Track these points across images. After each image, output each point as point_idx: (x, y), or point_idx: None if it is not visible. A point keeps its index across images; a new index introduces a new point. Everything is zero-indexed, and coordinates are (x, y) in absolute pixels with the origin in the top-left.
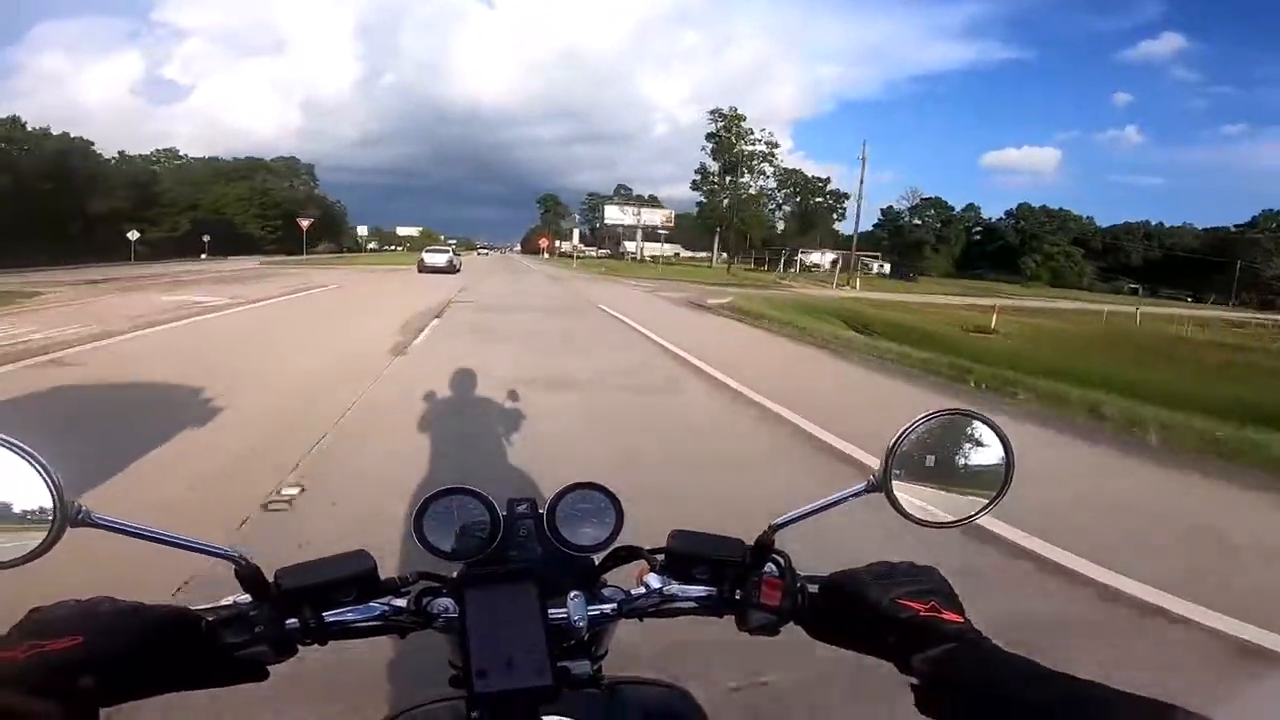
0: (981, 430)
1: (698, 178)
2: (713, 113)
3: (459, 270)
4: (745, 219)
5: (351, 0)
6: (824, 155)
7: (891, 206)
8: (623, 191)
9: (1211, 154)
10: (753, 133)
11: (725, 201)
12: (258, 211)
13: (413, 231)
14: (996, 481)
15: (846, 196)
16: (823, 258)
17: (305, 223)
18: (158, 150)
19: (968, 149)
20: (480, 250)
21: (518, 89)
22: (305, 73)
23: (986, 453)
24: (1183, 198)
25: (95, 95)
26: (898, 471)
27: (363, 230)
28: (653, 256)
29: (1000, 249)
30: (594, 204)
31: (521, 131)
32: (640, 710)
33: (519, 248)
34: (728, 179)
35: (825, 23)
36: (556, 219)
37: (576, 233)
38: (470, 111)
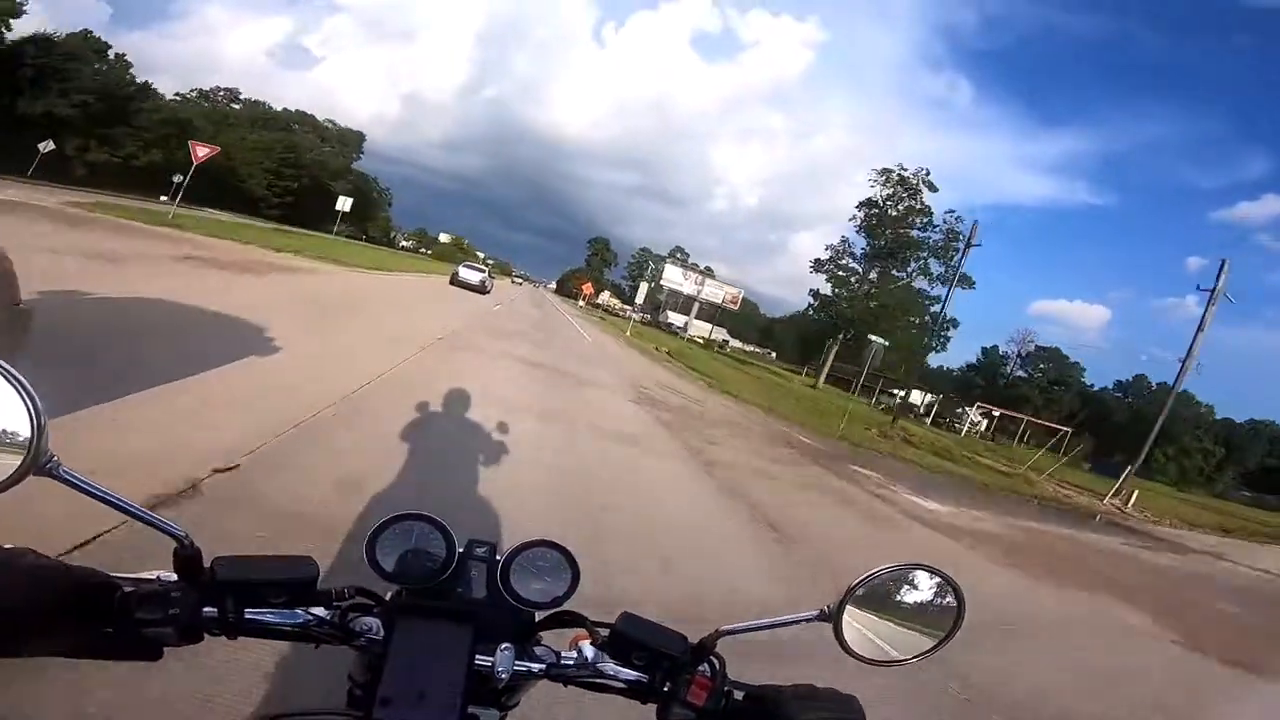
0: (938, 583)
1: (826, 255)
2: (882, 173)
3: (489, 292)
4: (884, 325)
5: (481, 6)
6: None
7: (997, 347)
8: (679, 255)
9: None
10: (928, 214)
11: (869, 293)
12: (271, 167)
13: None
14: (944, 626)
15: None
16: (922, 398)
17: (346, 203)
18: (219, 88)
19: (1019, 290)
20: (515, 279)
21: (598, 127)
22: (419, 66)
23: (938, 601)
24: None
25: (236, 49)
26: (852, 609)
27: (421, 235)
28: (704, 339)
29: (1110, 427)
30: (644, 259)
31: (587, 170)
32: None
33: (554, 285)
34: (874, 269)
35: (914, 135)
36: (602, 266)
37: (643, 288)
38: (549, 138)
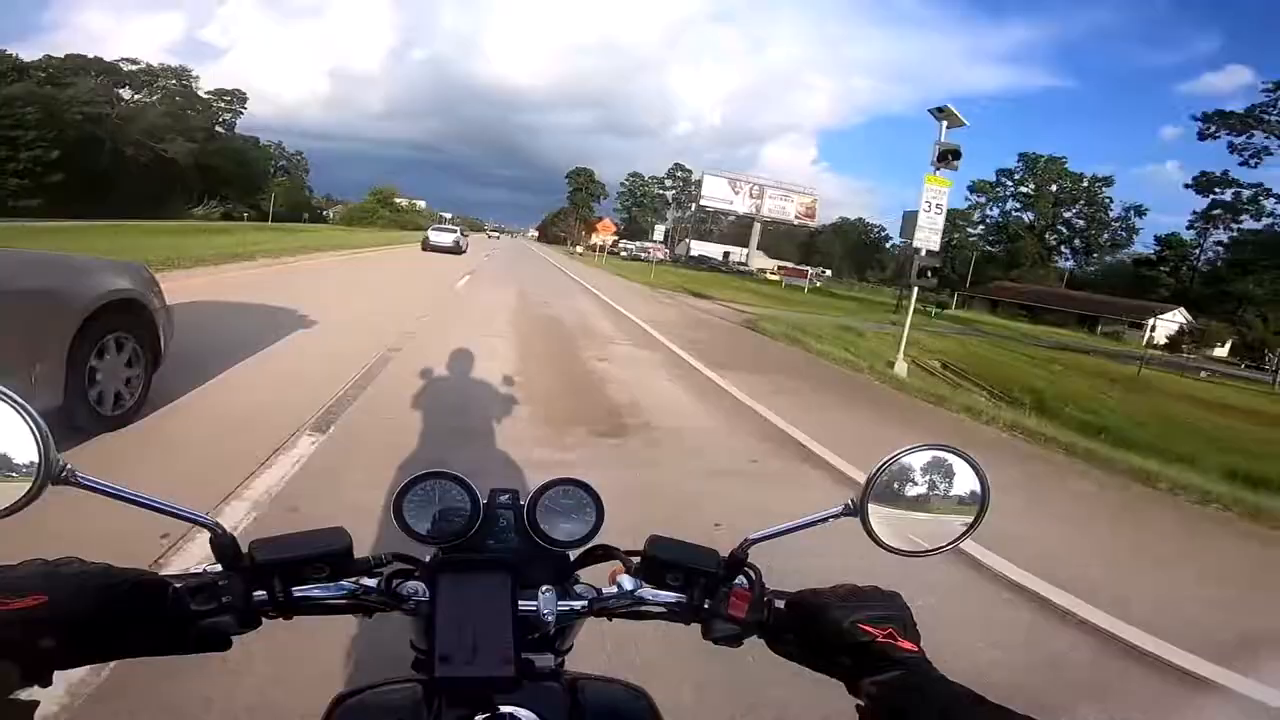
0: (958, 464)
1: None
2: None
3: (465, 251)
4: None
5: None
6: (846, 168)
7: (1177, 235)
8: (679, 173)
9: None
10: None
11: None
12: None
13: (416, 203)
14: (971, 512)
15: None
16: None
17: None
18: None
19: (979, 173)
20: (491, 233)
21: (547, 71)
22: (337, 39)
23: (962, 485)
24: None
25: (126, 53)
26: (876, 499)
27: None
28: (775, 270)
29: None
30: (636, 186)
31: (544, 116)
32: (597, 707)
33: (534, 233)
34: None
35: (866, 35)
36: (589, 201)
37: (662, 229)
38: (497, 90)
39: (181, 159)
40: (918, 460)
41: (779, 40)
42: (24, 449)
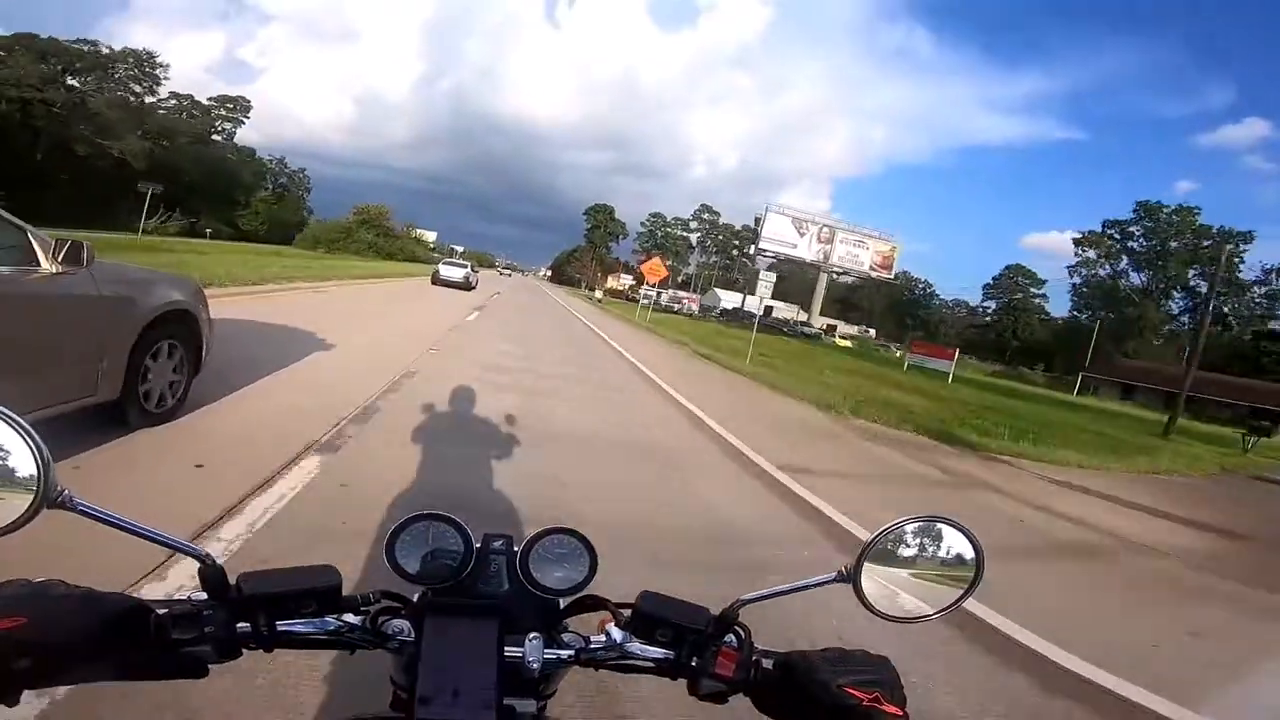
0: (952, 534)
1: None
2: None
3: (474, 288)
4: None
5: None
6: (860, 216)
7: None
8: (706, 215)
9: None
10: None
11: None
12: None
13: (428, 235)
14: (965, 581)
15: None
16: None
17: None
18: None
19: (1010, 227)
20: (502, 270)
21: (567, 109)
22: (366, 66)
23: (957, 555)
24: None
25: (172, 70)
26: (870, 566)
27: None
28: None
29: None
30: (657, 227)
31: (561, 154)
32: None
33: (546, 273)
34: None
35: (885, 83)
36: (606, 240)
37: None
38: (516, 125)
39: (135, 161)
40: (912, 530)
41: (796, 86)
42: (23, 471)
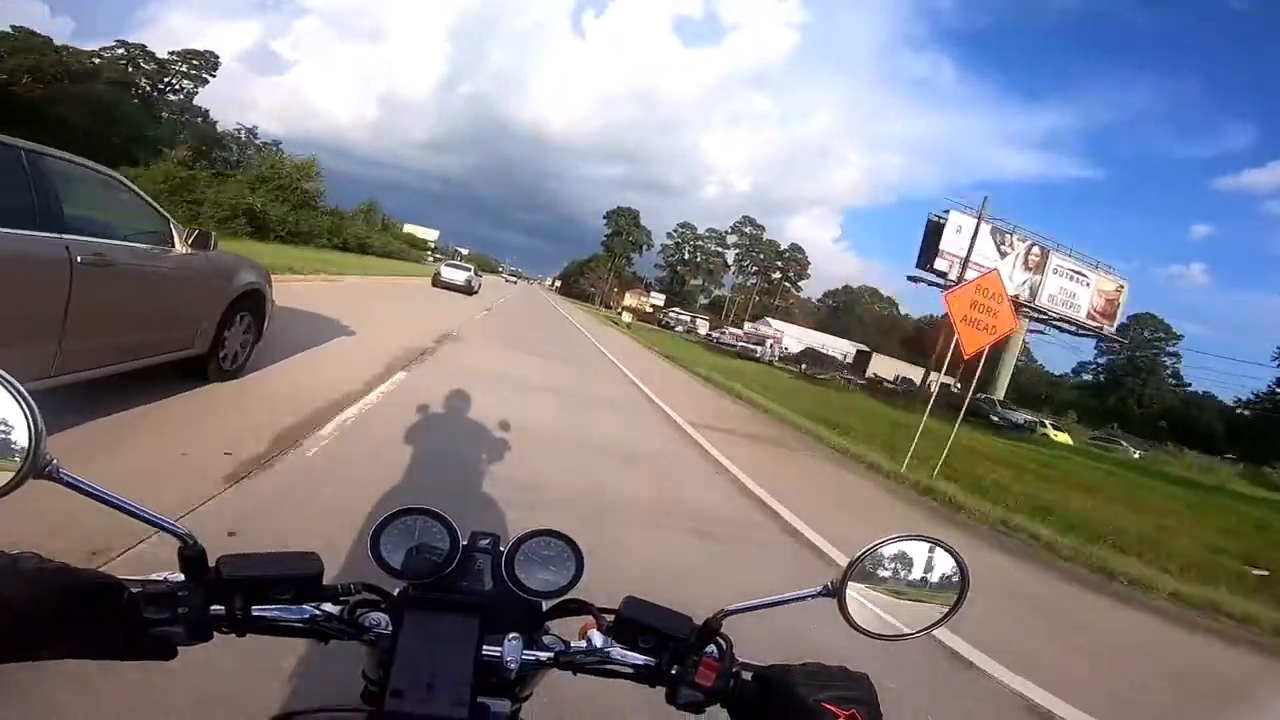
0: (939, 554)
1: None
2: None
3: (476, 292)
4: None
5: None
6: (868, 250)
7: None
8: (748, 228)
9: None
10: None
11: None
12: None
13: (429, 234)
14: (949, 600)
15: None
16: None
17: None
18: None
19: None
20: (508, 277)
21: (583, 121)
22: (392, 65)
23: (943, 574)
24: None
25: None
26: (855, 583)
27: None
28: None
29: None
30: (686, 238)
31: (574, 165)
32: None
33: (554, 284)
34: None
35: (903, 113)
36: (628, 249)
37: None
38: (532, 133)
39: None
40: (898, 549)
41: (815, 112)
42: (14, 438)
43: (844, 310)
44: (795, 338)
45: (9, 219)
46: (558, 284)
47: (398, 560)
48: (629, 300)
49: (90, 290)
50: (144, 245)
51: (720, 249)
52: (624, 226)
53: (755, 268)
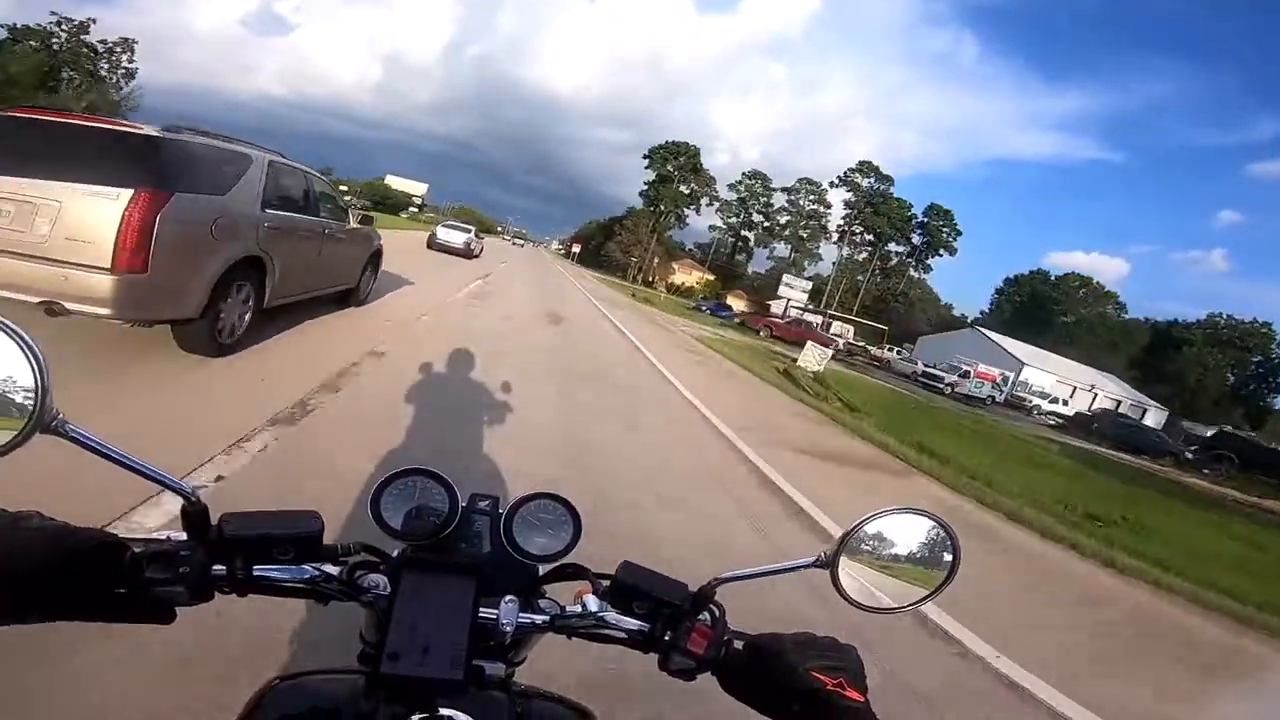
0: (932, 527)
1: None
2: None
3: (478, 256)
4: None
5: None
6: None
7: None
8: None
9: None
10: None
11: None
12: None
13: (415, 188)
14: (939, 575)
15: None
16: None
17: None
18: None
19: (1034, 244)
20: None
21: (591, 84)
22: (397, 24)
23: (935, 550)
24: None
25: (207, 18)
26: (849, 555)
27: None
28: None
29: None
30: (755, 194)
31: (580, 130)
32: None
33: (560, 247)
34: None
35: (919, 89)
36: (681, 205)
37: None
38: (539, 96)
39: None
40: (893, 522)
41: (830, 84)
42: (19, 392)
43: (1033, 306)
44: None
45: (301, 209)
46: (573, 249)
47: (397, 521)
48: (679, 276)
49: (326, 248)
50: (339, 223)
51: (818, 206)
52: (675, 170)
53: (869, 235)
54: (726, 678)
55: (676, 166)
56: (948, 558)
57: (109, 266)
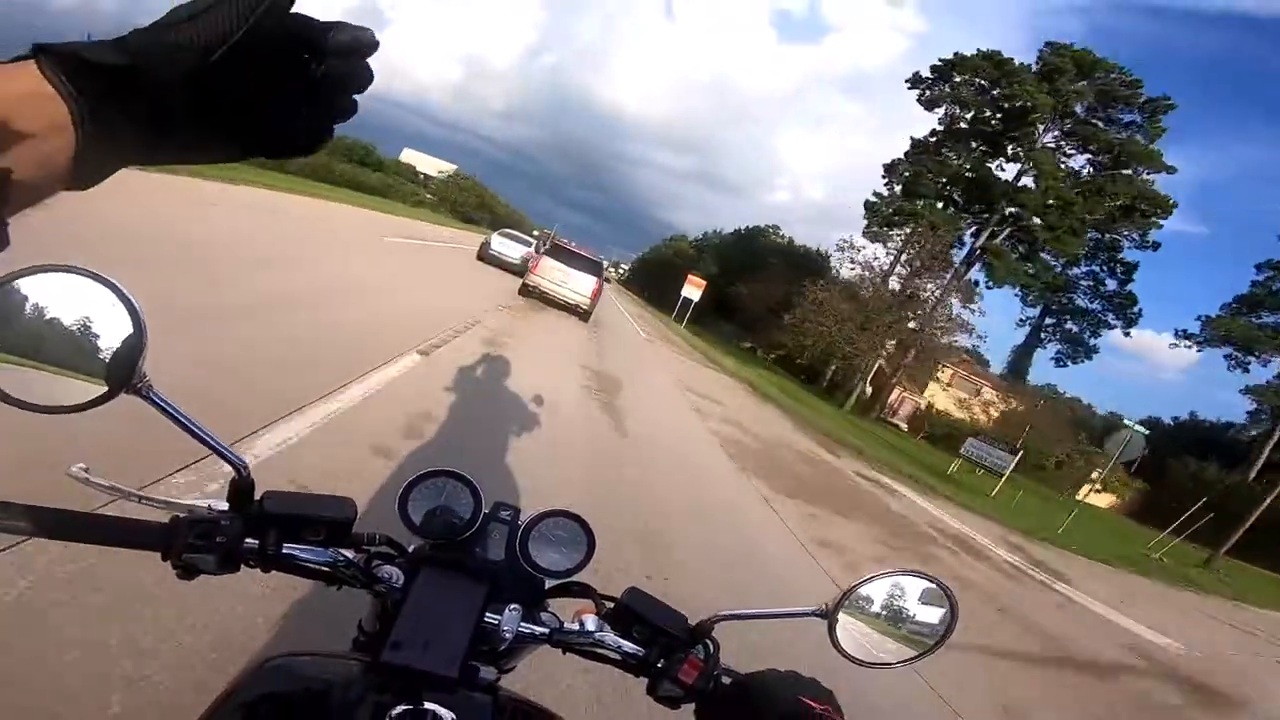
0: (932, 591)
1: None
2: None
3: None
4: None
5: None
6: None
7: None
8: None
9: None
10: None
11: None
12: None
13: (443, 166)
14: (935, 636)
15: None
16: None
17: None
18: None
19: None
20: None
21: (658, 104)
22: (481, 29)
23: (932, 609)
24: None
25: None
26: (848, 610)
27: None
28: None
29: None
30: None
31: (642, 150)
32: None
33: (613, 270)
34: None
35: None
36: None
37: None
38: (605, 111)
39: None
40: (895, 582)
41: (908, 125)
42: (108, 351)
43: None
44: None
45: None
46: (614, 274)
47: (419, 519)
48: (938, 391)
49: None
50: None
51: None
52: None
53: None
54: (707, 709)
55: (1082, 82)
56: (945, 616)
57: None
